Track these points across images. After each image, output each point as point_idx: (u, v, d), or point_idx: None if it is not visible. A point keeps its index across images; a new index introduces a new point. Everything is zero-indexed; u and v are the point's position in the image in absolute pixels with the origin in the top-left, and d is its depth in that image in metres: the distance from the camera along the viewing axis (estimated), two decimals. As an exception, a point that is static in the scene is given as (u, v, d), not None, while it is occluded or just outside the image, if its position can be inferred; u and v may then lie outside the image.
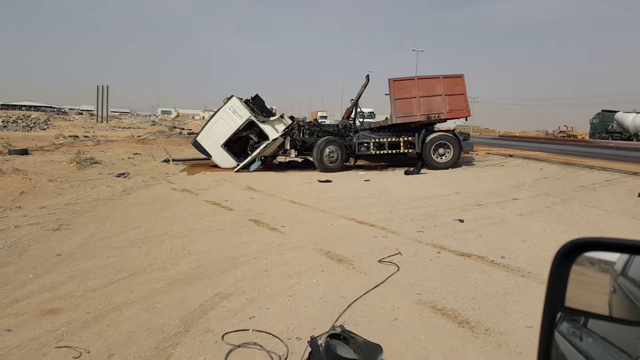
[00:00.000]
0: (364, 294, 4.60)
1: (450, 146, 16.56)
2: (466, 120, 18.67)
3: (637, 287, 0.94)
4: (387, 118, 17.06)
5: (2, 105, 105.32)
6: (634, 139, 48.34)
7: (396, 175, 15.32)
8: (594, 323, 1.03)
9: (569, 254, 0.99)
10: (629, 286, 0.96)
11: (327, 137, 16.25)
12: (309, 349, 3.14)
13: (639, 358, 0.91)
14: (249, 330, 3.78)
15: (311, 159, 16.43)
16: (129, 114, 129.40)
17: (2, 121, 37.39)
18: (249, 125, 15.94)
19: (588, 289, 1.01)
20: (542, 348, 1.00)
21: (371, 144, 16.33)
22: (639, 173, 12.92)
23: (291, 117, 17.07)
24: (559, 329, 1.05)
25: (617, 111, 53.09)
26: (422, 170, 15.66)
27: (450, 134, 16.97)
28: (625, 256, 0.97)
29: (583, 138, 56.79)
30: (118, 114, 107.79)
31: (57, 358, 3.29)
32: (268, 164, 16.97)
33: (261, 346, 3.51)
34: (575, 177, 13.37)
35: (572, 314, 1.00)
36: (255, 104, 17.31)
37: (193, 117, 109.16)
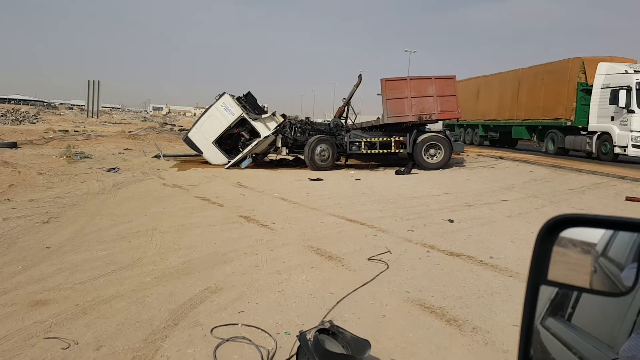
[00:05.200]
0: (353, 291, 4.62)
1: (441, 147, 16.64)
2: (457, 121, 18.78)
3: (616, 267, 0.98)
4: (378, 118, 17.11)
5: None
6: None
7: (387, 174, 15.37)
8: (578, 318, 1.06)
9: (553, 230, 1.02)
10: (609, 266, 0.99)
11: (319, 135, 16.26)
12: (298, 344, 3.16)
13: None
14: (237, 324, 3.80)
15: (302, 157, 16.43)
16: (120, 110, 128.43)
17: (-10, 114, 36.96)
18: (241, 123, 15.92)
19: (570, 270, 1.04)
20: (525, 320, 1.04)
21: (362, 143, 16.37)
22: (626, 177, 13.08)
23: (283, 115, 17.07)
24: (544, 323, 1.08)
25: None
26: (413, 171, 15.72)
27: (441, 135, 17.07)
28: (606, 237, 1.00)
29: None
30: (109, 109, 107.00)
31: (46, 349, 3.29)
32: (259, 162, 16.95)
33: (250, 340, 3.53)
34: (564, 180, 13.50)
35: (554, 286, 1.03)
36: (247, 102, 17.29)
37: (184, 114, 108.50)
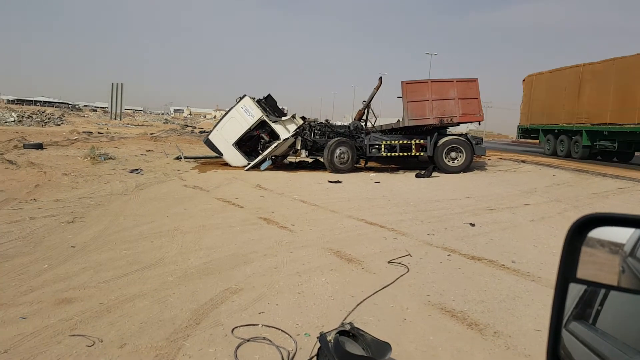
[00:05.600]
0: (373, 294, 4.62)
1: (463, 150, 16.49)
2: (479, 124, 18.60)
3: None
4: (399, 120, 17.04)
5: (17, 100, 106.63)
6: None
7: (407, 177, 15.30)
8: (604, 321, 1.05)
9: (582, 229, 1.03)
10: (637, 266, 0.99)
11: (338, 138, 16.26)
12: (318, 345, 3.17)
13: None
14: (258, 325, 3.82)
15: (322, 159, 16.44)
16: (142, 112, 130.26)
17: (17, 116, 37.83)
18: (261, 125, 16.03)
19: (599, 269, 1.05)
20: (554, 317, 1.04)
21: (382, 145, 16.31)
22: (652, 182, 12.79)
23: (302, 118, 17.14)
24: (568, 327, 1.07)
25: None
26: (434, 174, 15.63)
27: (462, 138, 16.91)
28: (634, 238, 1.00)
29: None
30: (132, 111, 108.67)
31: (71, 346, 3.35)
32: (278, 164, 17.03)
33: (270, 341, 3.55)
34: (588, 184, 13.27)
35: (583, 283, 1.04)
36: (267, 104, 17.39)
37: (205, 116, 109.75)
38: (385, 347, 3.21)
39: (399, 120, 17.03)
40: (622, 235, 1.01)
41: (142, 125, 47.63)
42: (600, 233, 1.03)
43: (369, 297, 4.53)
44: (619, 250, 1.02)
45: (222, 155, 16.22)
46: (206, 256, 5.67)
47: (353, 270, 5.39)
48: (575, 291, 1.05)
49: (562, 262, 1.04)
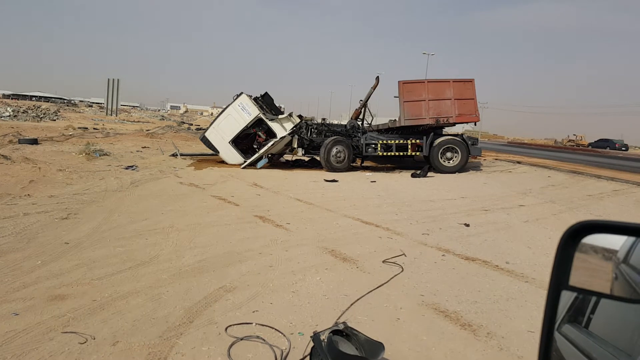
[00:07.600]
0: (367, 293, 4.62)
1: (458, 150, 16.54)
2: (475, 125, 18.64)
3: (638, 274, 0.97)
4: (395, 120, 17.06)
5: (13, 95, 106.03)
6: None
7: (403, 177, 15.32)
8: (596, 325, 1.05)
9: (575, 235, 1.02)
10: (630, 273, 0.98)
11: (335, 137, 16.27)
12: (312, 344, 3.17)
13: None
14: (252, 323, 3.81)
15: (318, 158, 16.46)
16: (139, 108, 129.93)
17: (12, 111, 37.63)
18: (258, 123, 16.01)
19: (591, 276, 1.04)
20: (545, 324, 1.04)
21: (379, 145, 16.34)
22: (647, 184, 12.84)
23: (299, 116, 17.12)
24: (561, 330, 1.07)
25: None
26: (429, 174, 15.66)
27: (458, 138, 16.95)
28: (628, 244, 1.00)
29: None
30: (128, 107, 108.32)
31: (63, 343, 3.34)
32: (275, 162, 17.02)
33: (264, 340, 3.54)
34: (583, 186, 13.32)
35: (575, 291, 1.03)
36: (265, 102, 17.38)
37: (201, 113, 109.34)
38: (378, 346, 3.22)
39: (395, 120, 17.04)
40: (615, 241, 1.01)
41: (138, 121, 47.50)
42: (594, 239, 1.02)
43: (363, 296, 4.53)
44: (612, 257, 1.02)
45: (218, 152, 16.20)
46: (201, 254, 5.65)
47: (347, 270, 5.39)
48: (568, 295, 1.04)
49: (555, 269, 1.04)
